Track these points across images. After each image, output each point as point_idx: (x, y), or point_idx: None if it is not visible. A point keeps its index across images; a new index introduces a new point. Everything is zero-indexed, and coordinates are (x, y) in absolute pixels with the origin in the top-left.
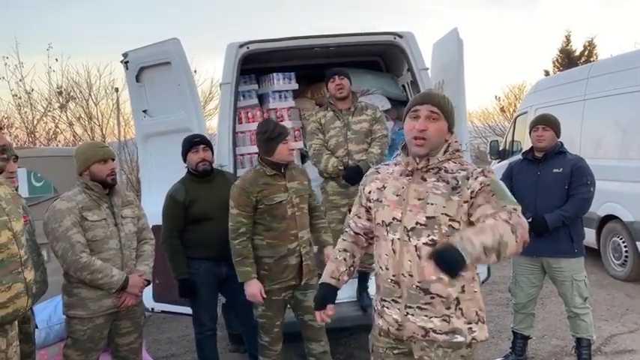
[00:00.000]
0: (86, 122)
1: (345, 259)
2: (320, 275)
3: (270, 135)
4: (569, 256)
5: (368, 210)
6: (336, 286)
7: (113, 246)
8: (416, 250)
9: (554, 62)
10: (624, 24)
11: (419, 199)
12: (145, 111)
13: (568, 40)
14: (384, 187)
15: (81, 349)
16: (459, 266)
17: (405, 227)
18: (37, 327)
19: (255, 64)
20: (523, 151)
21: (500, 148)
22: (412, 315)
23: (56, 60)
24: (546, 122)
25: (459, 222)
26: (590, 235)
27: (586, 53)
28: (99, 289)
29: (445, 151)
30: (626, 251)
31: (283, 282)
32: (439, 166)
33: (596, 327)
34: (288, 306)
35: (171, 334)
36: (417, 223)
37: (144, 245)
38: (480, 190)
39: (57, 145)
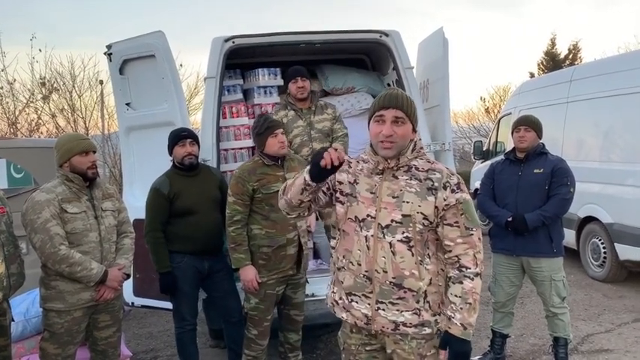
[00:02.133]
0: (69, 114)
1: None
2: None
3: (258, 130)
4: (548, 255)
5: (331, 193)
6: None
7: (93, 239)
8: (390, 247)
9: (539, 64)
10: (609, 28)
11: (393, 197)
12: (128, 104)
13: (553, 43)
14: (356, 182)
15: (58, 342)
16: (470, 349)
17: (379, 224)
18: (13, 320)
19: (240, 59)
20: (506, 151)
21: (484, 149)
22: (383, 310)
23: (39, 50)
24: (528, 123)
25: (431, 221)
26: (569, 236)
27: (570, 56)
28: (77, 282)
29: (413, 150)
30: (604, 252)
31: (281, 272)
32: (409, 164)
33: (574, 326)
34: None
35: (152, 329)
36: (392, 221)
37: (124, 239)
38: (453, 205)
39: (39, 137)
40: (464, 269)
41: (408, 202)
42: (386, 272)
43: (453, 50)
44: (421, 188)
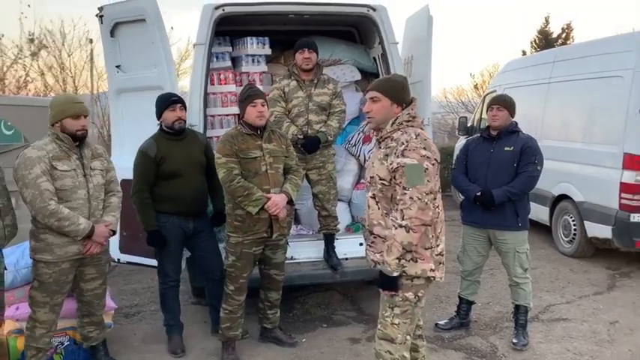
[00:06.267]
0: (58, 72)
1: None
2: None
3: (240, 98)
4: (513, 229)
5: None
6: None
7: (81, 196)
8: (367, 201)
9: (531, 43)
10: (604, 9)
11: (372, 162)
12: (118, 66)
13: (547, 21)
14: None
15: (47, 291)
16: (394, 282)
17: (367, 182)
18: (6, 269)
19: (230, 27)
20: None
21: (469, 125)
22: (367, 250)
23: (28, 6)
24: (501, 103)
25: (389, 183)
26: (544, 213)
27: (563, 36)
28: (65, 235)
29: (393, 123)
30: (574, 229)
31: (256, 234)
32: (389, 136)
33: (538, 297)
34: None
35: (136, 286)
36: (367, 181)
37: (111, 197)
38: (396, 168)
39: (27, 94)
40: (393, 219)
41: (374, 167)
42: (365, 220)
43: (448, 27)
44: (383, 155)
